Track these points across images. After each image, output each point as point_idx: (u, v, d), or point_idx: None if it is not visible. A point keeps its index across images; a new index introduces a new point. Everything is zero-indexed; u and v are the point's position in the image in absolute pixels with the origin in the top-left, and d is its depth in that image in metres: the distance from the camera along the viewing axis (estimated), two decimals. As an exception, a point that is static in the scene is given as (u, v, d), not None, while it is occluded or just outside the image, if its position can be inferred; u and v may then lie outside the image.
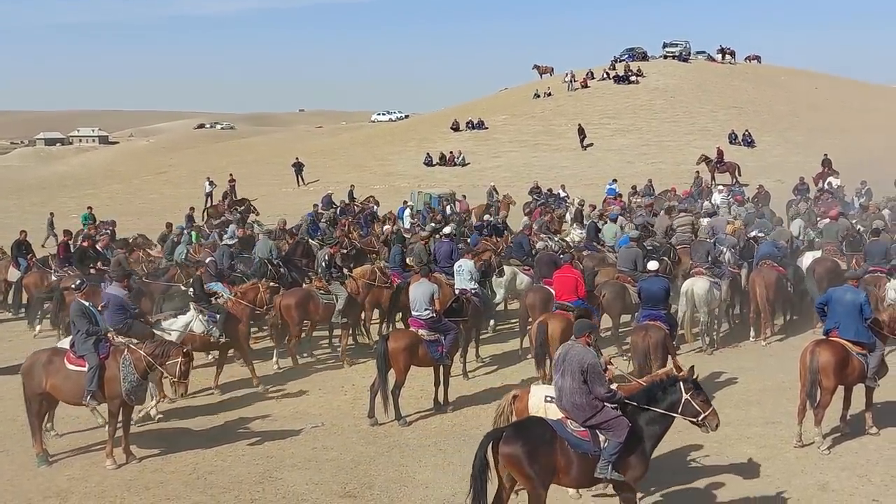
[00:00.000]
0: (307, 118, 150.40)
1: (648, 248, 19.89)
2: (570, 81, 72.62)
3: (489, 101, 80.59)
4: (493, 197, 37.59)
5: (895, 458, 11.11)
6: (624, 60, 77.49)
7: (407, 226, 30.54)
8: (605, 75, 74.46)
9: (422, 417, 14.36)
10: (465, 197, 38.47)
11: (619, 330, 18.08)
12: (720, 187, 36.78)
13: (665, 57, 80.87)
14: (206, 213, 40.18)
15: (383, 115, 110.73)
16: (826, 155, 40.94)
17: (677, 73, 75.03)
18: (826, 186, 35.34)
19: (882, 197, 27.88)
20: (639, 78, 72.55)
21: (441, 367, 14.69)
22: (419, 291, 14.54)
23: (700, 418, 9.29)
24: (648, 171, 49.44)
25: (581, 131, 58.89)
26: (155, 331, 14.92)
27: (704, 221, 23.26)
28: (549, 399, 10.02)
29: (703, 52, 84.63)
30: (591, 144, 59.38)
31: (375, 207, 35.06)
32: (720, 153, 46.85)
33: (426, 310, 14.37)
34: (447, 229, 22.01)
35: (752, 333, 18.56)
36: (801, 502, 10.37)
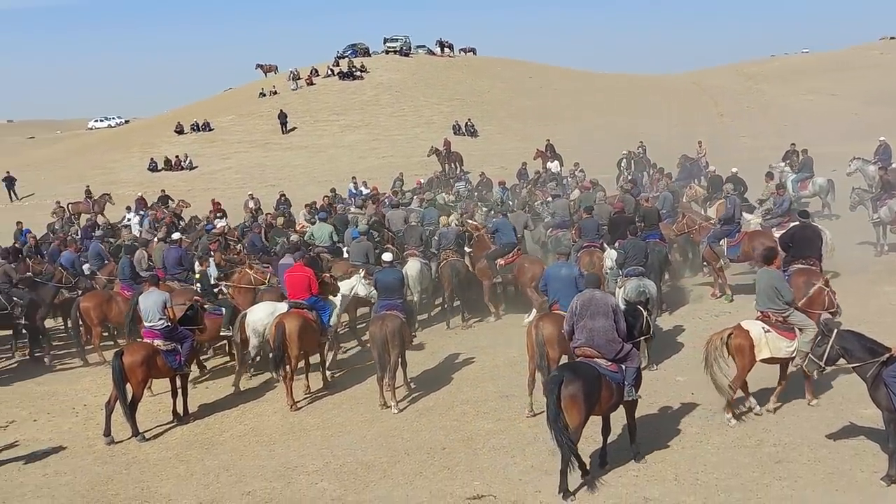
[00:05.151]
0: (17, 129, 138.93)
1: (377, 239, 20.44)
2: (295, 79, 72.24)
3: (214, 101, 78.65)
4: (252, 206, 34.94)
5: (613, 417, 11.87)
6: (347, 57, 78.05)
7: (136, 233, 28.99)
8: (329, 72, 74.69)
9: (162, 430, 13.82)
10: None
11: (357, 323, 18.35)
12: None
13: (387, 52, 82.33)
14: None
15: (101, 121, 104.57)
16: (548, 140, 43.28)
17: (400, 68, 76.67)
18: (546, 170, 37.48)
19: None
20: (363, 74, 73.42)
21: (179, 377, 14.22)
22: (150, 301, 13.93)
23: (651, 332, 11.79)
24: (380, 164, 50.34)
25: (282, 115, 60.82)
26: None
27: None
28: (766, 330, 11.61)
29: (423, 47, 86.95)
30: (293, 128, 60.94)
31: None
32: (447, 144, 48.40)
33: (160, 319, 13.83)
34: (176, 235, 21.20)
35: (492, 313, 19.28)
36: (535, 469, 10.92)
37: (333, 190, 33.42)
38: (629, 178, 30.55)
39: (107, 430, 13.37)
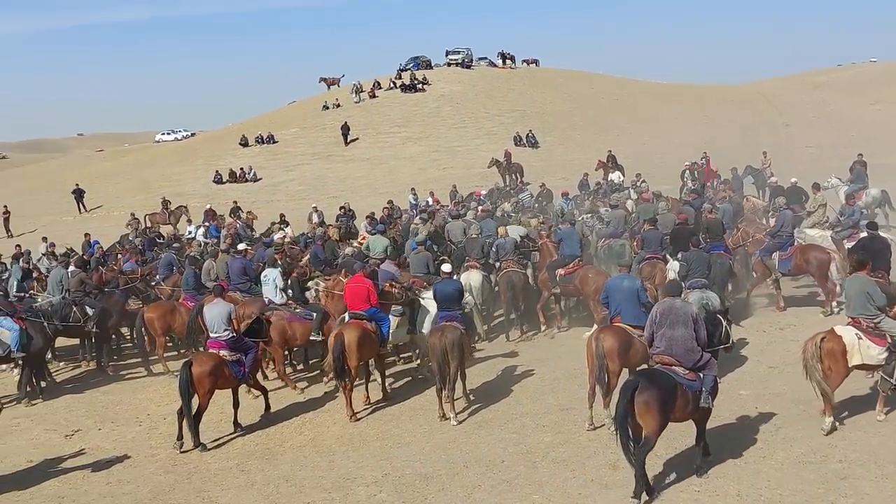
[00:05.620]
0: (87, 142, 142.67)
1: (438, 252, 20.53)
2: (358, 92, 72.89)
3: (278, 114, 79.69)
4: (316, 219, 34.61)
5: (674, 431, 11.70)
6: (409, 69, 78.54)
7: (200, 244, 29.35)
8: (391, 85, 75.25)
9: (223, 440, 13.99)
10: None
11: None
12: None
13: (449, 64, 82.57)
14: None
15: (168, 134, 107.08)
16: (610, 151, 43.04)
17: (461, 80, 76.90)
18: (608, 181, 37.20)
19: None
20: (425, 86, 73.83)
21: (239, 388, 14.49)
22: (215, 312, 14.20)
23: (730, 342, 11.67)
24: (441, 176, 50.47)
25: (345, 127, 62.19)
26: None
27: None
28: (859, 336, 11.53)
29: (485, 58, 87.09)
30: (355, 139, 61.97)
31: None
32: (508, 155, 48.37)
33: (225, 330, 14.08)
34: (241, 245, 21.46)
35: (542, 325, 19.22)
36: (595, 482, 10.80)
37: (391, 202, 33.55)
38: (692, 188, 30.21)
39: (179, 435, 13.63)
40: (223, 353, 14.02)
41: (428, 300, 16.12)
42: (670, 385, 10.19)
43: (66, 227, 44.84)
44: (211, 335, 14.28)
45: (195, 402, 13.59)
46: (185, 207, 42.05)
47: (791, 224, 18.86)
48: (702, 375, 10.54)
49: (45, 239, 30.54)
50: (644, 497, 10.03)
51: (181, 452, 13.45)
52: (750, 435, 11.83)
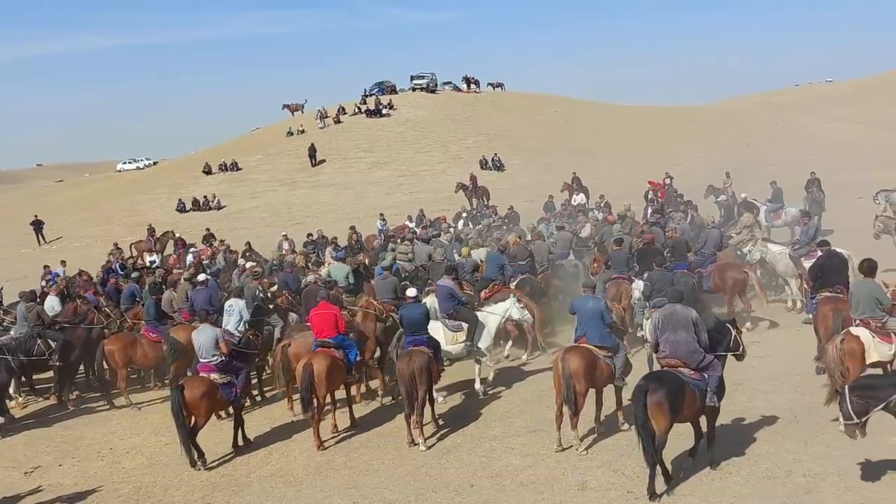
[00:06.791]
0: (46, 172, 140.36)
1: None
2: (323, 118, 72.87)
3: (242, 141, 79.26)
4: (287, 246, 34.32)
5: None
6: (374, 94, 78.78)
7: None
8: (356, 110, 75.36)
9: (188, 474, 13.73)
10: None
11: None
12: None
13: (413, 89, 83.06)
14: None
15: (129, 163, 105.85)
16: (574, 173, 43.31)
17: (427, 105, 77.27)
18: (572, 202, 37.45)
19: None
20: (390, 111, 74.05)
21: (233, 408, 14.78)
22: (203, 338, 14.25)
23: (741, 349, 11.65)
24: (408, 200, 50.47)
25: (311, 149, 62.62)
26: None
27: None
28: (873, 335, 12.17)
29: (450, 83, 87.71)
30: (322, 161, 62.22)
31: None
32: (473, 179, 48.49)
33: (214, 355, 14.15)
34: (201, 276, 21.21)
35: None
36: (564, 504, 10.82)
37: (353, 227, 33.44)
38: (654, 209, 30.48)
39: (199, 455, 13.85)
40: (213, 376, 14.09)
41: (486, 314, 16.39)
42: (678, 385, 10.72)
43: (25, 260, 44.13)
44: (201, 360, 14.33)
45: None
46: (172, 233, 41.08)
47: (714, 243, 19.66)
48: (706, 375, 11.09)
49: (63, 263, 31.26)
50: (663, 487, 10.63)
51: (142, 487, 13.24)
52: (715, 451, 11.90)
